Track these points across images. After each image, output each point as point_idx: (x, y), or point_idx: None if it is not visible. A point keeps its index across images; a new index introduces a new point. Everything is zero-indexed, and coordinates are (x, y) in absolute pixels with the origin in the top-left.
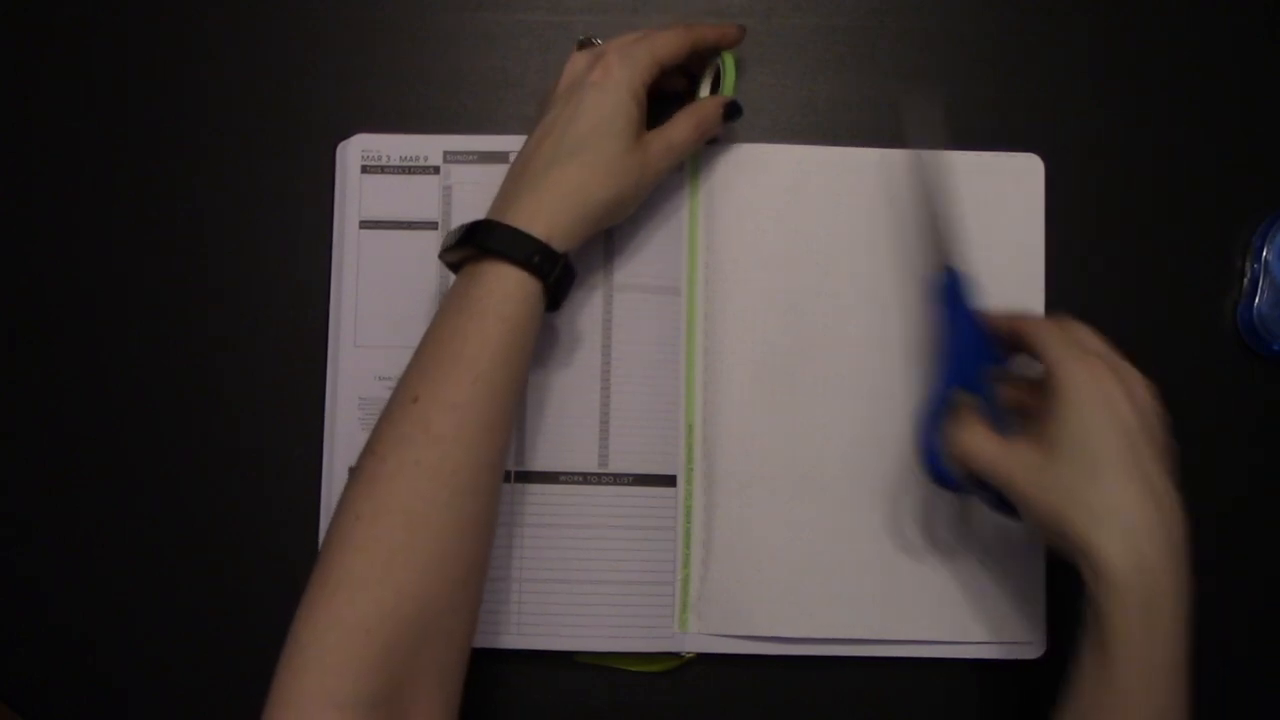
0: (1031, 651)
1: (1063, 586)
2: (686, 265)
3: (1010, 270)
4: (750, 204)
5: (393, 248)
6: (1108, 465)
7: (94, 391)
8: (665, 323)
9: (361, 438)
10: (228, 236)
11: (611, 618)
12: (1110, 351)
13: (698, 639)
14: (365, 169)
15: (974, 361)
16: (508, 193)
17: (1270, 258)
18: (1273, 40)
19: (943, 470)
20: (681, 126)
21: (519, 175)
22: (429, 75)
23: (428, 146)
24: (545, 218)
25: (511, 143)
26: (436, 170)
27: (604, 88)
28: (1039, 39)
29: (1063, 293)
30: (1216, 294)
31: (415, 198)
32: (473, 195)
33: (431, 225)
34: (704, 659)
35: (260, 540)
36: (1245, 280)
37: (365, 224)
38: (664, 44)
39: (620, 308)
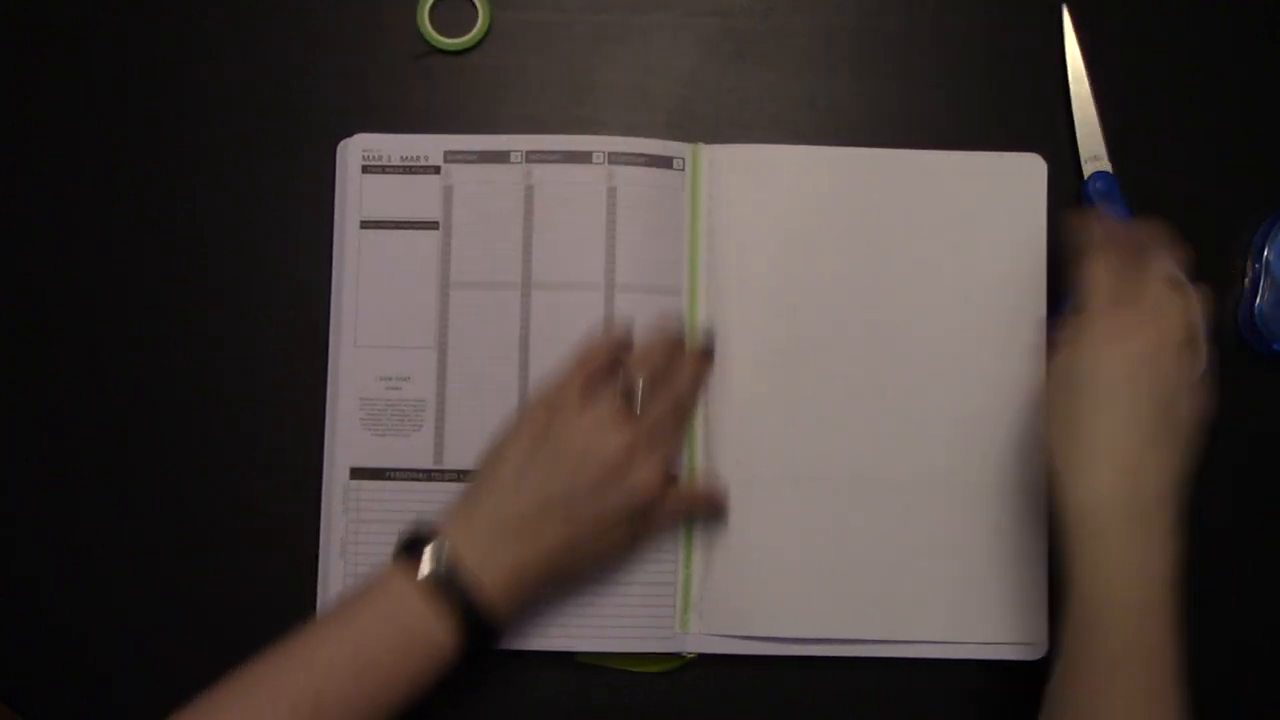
0: (1034, 653)
1: (1065, 587)
2: (687, 265)
3: (1011, 270)
4: (750, 204)
5: (393, 248)
6: (1087, 417)
7: (94, 391)
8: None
9: (361, 437)
10: (228, 236)
11: (612, 618)
12: (1150, 282)
13: (699, 639)
14: (366, 169)
15: None
16: (487, 514)
17: (1270, 258)
18: (1273, 40)
19: None
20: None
21: (508, 499)
22: (429, 75)
23: (428, 146)
24: (511, 583)
25: (512, 142)
26: (437, 170)
27: (642, 507)
28: (1039, 39)
29: (1062, 293)
30: (1217, 294)
31: (416, 198)
32: (473, 195)
33: (432, 225)
34: (705, 659)
35: (260, 540)
36: (1245, 280)
37: (366, 224)
38: (679, 440)
39: (620, 308)
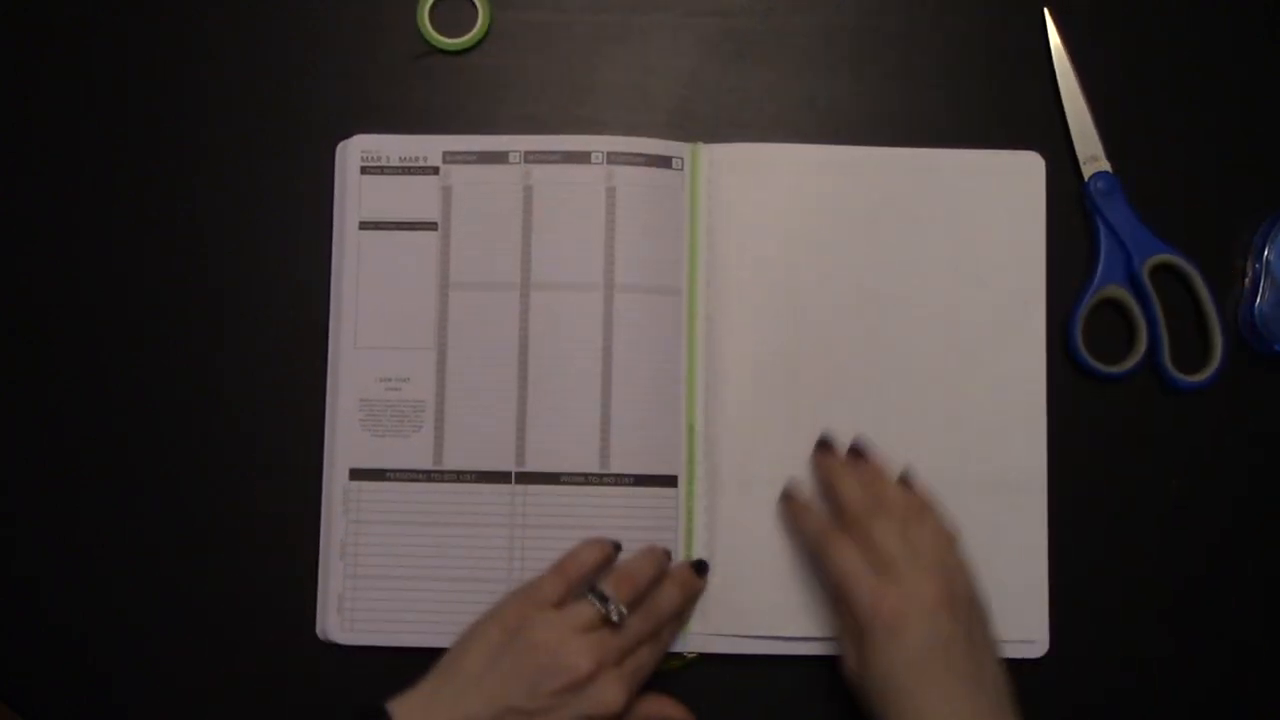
0: (1034, 651)
1: (1065, 586)
2: (686, 265)
3: (1010, 270)
4: (750, 203)
5: (392, 249)
6: (904, 695)
7: (94, 391)
8: (665, 323)
9: (362, 438)
10: (228, 236)
11: None
12: (897, 554)
13: (700, 639)
14: (365, 169)
15: (1132, 257)
16: (444, 709)
17: (1270, 258)
18: (1273, 40)
19: (1085, 360)
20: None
21: (468, 696)
22: (429, 75)
23: (427, 147)
24: None
25: (510, 142)
26: (436, 171)
27: None
28: (1037, 38)
29: (1063, 293)
30: (1217, 294)
31: (415, 198)
32: (472, 196)
33: (431, 226)
34: (706, 659)
35: (260, 540)
36: (1245, 280)
37: (365, 225)
38: (654, 660)
39: (620, 308)
